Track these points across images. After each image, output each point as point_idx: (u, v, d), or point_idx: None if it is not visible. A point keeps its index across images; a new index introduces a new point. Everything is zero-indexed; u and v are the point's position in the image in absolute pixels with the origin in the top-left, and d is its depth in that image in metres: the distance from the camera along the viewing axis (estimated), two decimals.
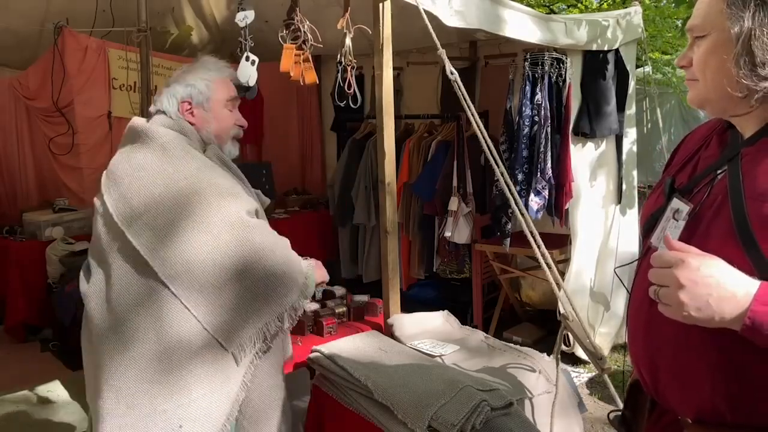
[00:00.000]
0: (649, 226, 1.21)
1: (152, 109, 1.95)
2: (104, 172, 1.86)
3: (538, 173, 3.76)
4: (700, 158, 1.20)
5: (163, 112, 1.92)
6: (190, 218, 1.70)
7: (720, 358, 1.03)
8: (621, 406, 1.35)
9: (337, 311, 2.73)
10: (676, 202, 1.14)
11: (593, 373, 3.78)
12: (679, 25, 6.72)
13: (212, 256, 1.68)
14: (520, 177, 3.80)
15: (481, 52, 4.81)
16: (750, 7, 0.99)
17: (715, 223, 1.06)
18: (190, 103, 1.94)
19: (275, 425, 1.86)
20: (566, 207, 3.86)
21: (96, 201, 1.85)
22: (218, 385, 1.69)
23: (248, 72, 2.67)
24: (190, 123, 1.92)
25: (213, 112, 1.96)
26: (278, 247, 1.81)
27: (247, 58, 2.67)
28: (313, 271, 1.90)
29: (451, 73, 2.41)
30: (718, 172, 1.11)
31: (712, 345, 1.03)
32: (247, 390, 1.76)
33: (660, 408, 1.18)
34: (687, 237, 1.08)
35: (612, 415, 1.32)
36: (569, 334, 2.25)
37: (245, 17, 2.69)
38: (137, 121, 1.91)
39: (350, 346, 2.46)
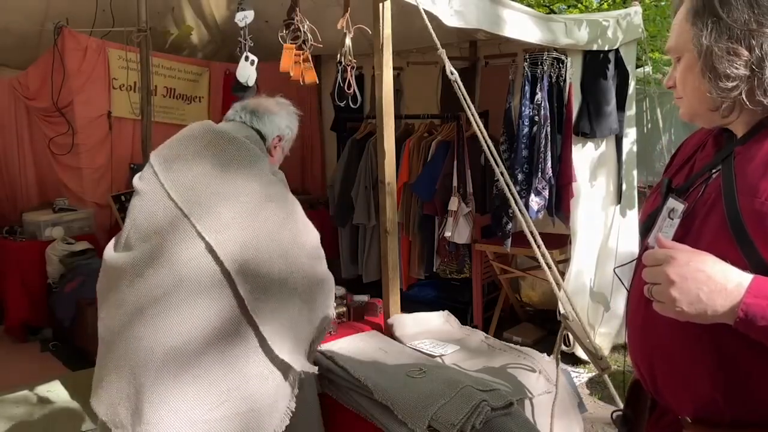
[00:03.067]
0: (647, 225, 1.24)
1: (248, 121, 2.04)
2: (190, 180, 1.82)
3: (539, 173, 3.76)
4: (697, 159, 1.23)
5: (258, 132, 2.02)
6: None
7: (716, 355, 1.03)
8: (621, 406, 1.36)
9: (337, 311, 2.73)
10: (671, 202, 1.17)
11: (593, 373, 3.78)
12: None
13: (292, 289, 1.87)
14: (520, 177, 3.80)
15: (481, 52, 4.81)
16: (707, 25, 1.06)
17: (708, 220, 1.08)
18: (281, 140, 2.11)
19: None
20: (570, 206, 3.86)
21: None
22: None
23: (248, 72, 2.68)
24: (269, 154, 2.07)
25: (282, 154, 2.17)
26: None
27: (247, 58, 2.67)
28: None
29: (451, 73, 2.42)
30: (713, 171, 1.13)
31: (709, 342, 1.03)
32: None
33: (660, 408, 1.18)
34: (682, 235, 1.10)
35: (615, 415, 1.34)
36: (569, 334, 2.26)
37: (245, 17, 2.69)
38: (226, 132, 1.93)
39: (350, 346, 2.46)
